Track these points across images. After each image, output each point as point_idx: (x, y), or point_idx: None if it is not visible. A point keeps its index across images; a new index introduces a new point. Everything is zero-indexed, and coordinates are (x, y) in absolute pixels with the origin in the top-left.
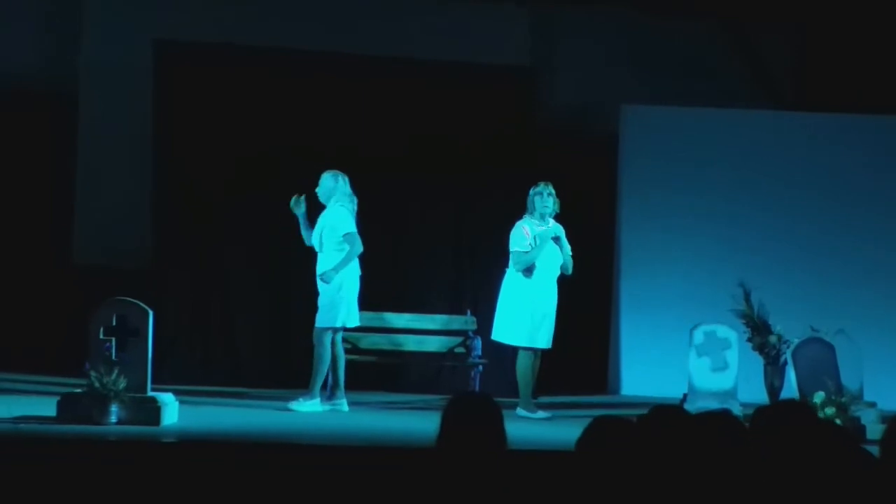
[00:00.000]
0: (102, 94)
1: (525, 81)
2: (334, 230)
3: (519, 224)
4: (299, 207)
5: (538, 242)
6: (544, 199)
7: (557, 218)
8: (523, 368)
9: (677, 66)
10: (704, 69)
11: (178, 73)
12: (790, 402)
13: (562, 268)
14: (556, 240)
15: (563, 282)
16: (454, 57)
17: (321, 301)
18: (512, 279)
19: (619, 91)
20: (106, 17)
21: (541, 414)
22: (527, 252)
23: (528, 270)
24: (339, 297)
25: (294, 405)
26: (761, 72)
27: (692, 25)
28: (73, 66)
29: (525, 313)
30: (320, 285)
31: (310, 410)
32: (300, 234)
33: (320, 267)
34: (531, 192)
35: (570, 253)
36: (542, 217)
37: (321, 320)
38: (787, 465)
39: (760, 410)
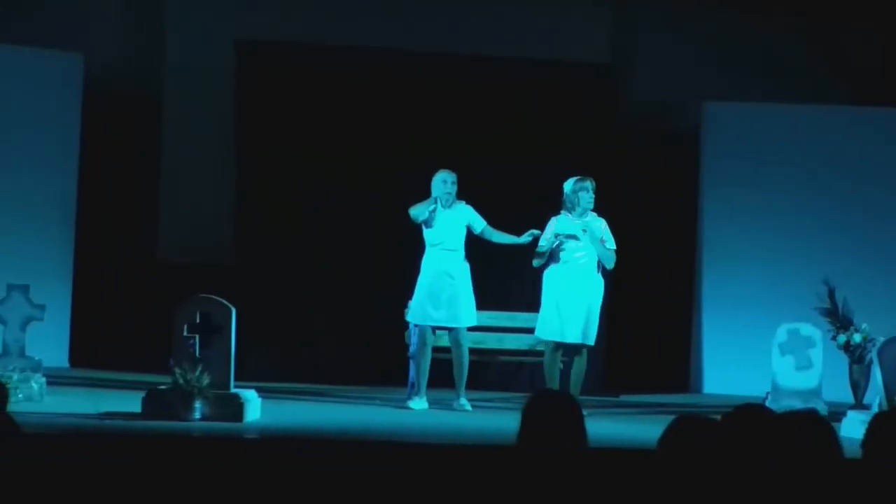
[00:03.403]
0: (186, 94)
1: (606, 78)
2: (474, 228)
3: (551, 219)
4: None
5: (558, 239)
6: (590, 194)
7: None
8: (545, 362)
9: (759, 62)
10: (786, 65)
11: (259, 72)
12: None
13: (601, 262)
14: (572, 238)
15: (644, 281)
16: (535, 54)
17: (466, 300)
18: (545, 274)
19: (701, 87)
20: (188, 17)
21: None
22: (541, 247)
23: (545, 265)
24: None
25: (468, 405)
26: (843, 68)
27: (773, 21)
28: (156, 66)
29: (551, 307)
30: (456, 285)
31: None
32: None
33: (453, 263)
34: (573, 187)
35: (614, 247)
36: (584, 212)
37: (470, 319)
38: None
39: (880, 417)
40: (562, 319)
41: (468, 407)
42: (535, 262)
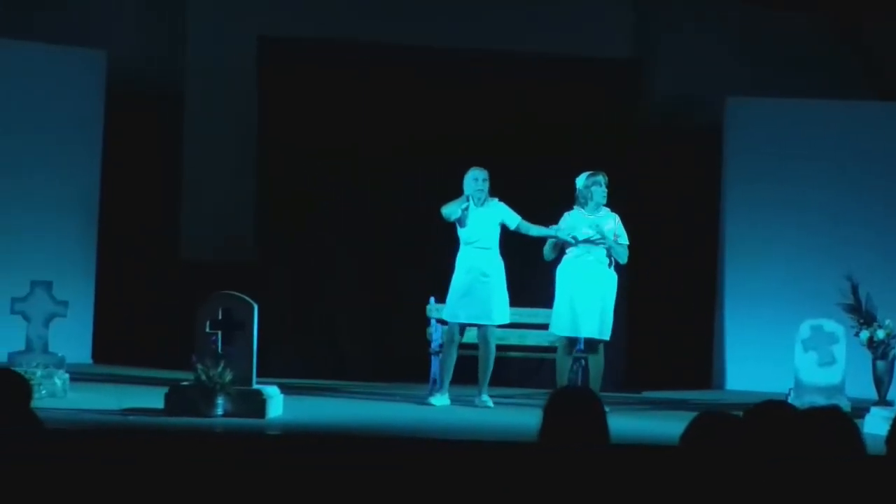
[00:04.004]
0: (208, 91)
1: (629, 74)
2: (509, 224)
3: (564, 214)
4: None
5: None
6: (603, 188)
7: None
8: (557, 358)
9: (783, 57)
10: (811, 60)
11: (281, 69)
12: None
13: (613, 256)
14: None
15: (666, 277)
16: (558, 50)
17: (499, 298)
18: (557, 270)
19: (725, 82)
20: (210, 14)
21: None
22: (556, 231)
23: (557, 260)
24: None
25: (489, 401)
26: (869, 63)
27: (798, 16)
28: (179, 62)
29: (564, 303)
30: (490, 283)
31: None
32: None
33: (487, 261)
34: (586, 181)
35: (627, 243)
36: (598, 207)
37: (503, 317)
38: None
39: None
40: (576, 315)
41: (490, 403)
42: (546, 252)
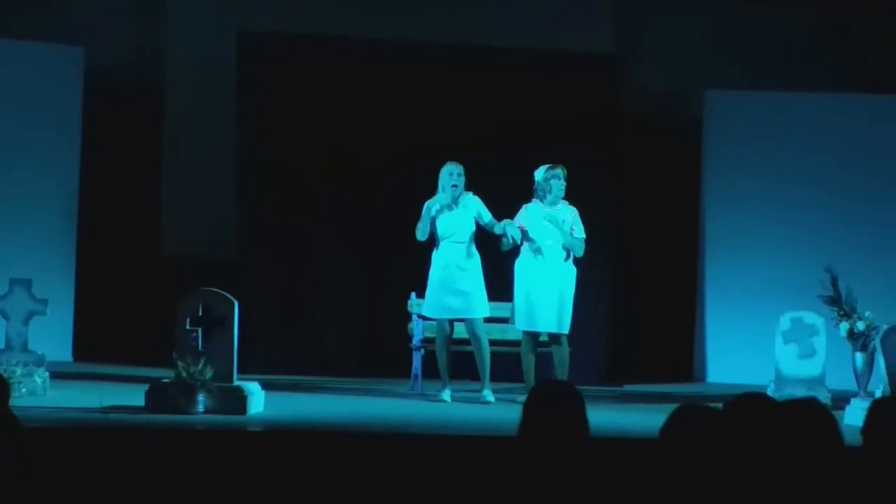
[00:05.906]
0: (188, 87)
1: (610, 68)
2: (481, 219)
3: (522, 207)
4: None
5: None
6: (561, 181)
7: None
8: (522, 352)
9: (765, 51)
10: (793, 53)
11: (262, 64)
12: None
13: (566, 249)
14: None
15: (647, 270)
16: (539, 44)
17: (477, 291)
18: (515, 264)
19: (706, 76)
20: (190, 10)
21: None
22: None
23: (514, 251)
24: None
25: (491, 397)
26: (853, 55)
27: (780, 8)
28: (159, 59)
29: (520, 296)
30: (467, 277)
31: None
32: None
33: (463, 256)
34: (545, 174)
35: (583, 236)
36: (556, 200)
37: (483, 309)
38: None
39: (879, 403)
40: (533, 309)
41: (491, 398)
42: (504, 242)
